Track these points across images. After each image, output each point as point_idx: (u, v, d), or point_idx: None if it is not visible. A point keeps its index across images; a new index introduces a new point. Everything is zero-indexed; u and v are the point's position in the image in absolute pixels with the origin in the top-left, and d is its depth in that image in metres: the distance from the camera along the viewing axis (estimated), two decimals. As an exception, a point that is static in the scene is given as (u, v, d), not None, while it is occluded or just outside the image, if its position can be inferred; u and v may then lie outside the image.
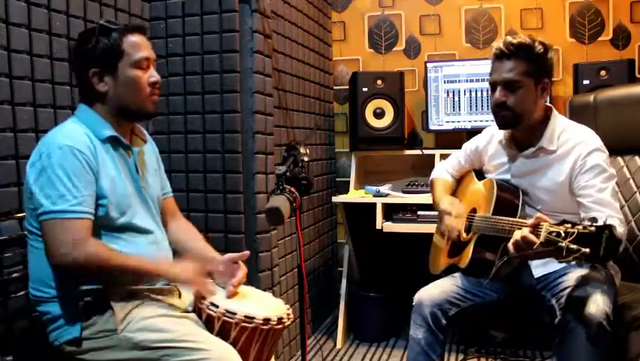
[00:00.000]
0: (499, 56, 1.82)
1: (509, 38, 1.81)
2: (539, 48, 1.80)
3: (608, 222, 1.36)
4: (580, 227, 1.37)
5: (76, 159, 1.43)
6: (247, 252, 1.71)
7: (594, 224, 1.37)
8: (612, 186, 1.78)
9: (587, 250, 1.34)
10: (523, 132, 1.90)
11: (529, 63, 1.79)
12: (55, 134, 1.49)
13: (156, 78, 1.57)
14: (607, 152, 1.83)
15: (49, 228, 1.40)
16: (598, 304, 1.60)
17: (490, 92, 1.89)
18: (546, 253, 1.48)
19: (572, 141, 1.83)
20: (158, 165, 1.77)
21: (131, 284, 1.51)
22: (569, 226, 1.40)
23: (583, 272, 1.74)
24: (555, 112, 1.90)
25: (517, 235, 1.55)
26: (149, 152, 1.73)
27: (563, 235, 1.40)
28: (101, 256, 1.42)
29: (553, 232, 1.43)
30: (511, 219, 1.72)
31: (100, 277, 1.45)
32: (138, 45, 1.54)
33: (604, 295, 1.64)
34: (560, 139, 1.85)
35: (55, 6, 1.88)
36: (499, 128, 1.93)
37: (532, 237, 1.50)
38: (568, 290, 1.73)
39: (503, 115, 1.84)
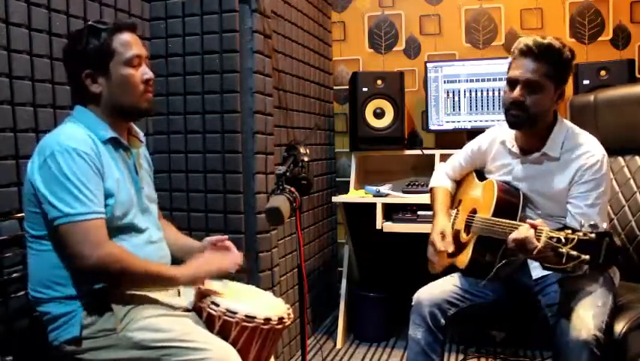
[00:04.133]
0: (525, 53, 1.75)
1: (539, 38, 1.75)
2: (567, 54, 1.76)
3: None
4: (580, 233, 1.38)
5: (83, 161, 1.42)
6: (225, 236, 1.73)
7: (594, 231, 1.37)
8: (603, 204, 1.78)
9: (587, 256, 1.35)
10: (530, 136, 1.87)
11: (554, 67, 1.75)
12: (57, 136, 1.46)
13: (149, 75, 1.56)
14: (608, 164, 1.81)
15: (68, 231, 1.39)
16: (589, 329, 1.59)
17: (506, 88, 1.82)
18: (546, 258, 1.49)
19: (577, 150, 1.80)
20: (150, 168, 1.77)
21: (145, 288, 1.51)
22: (570, 232, 1.40)
23: (578, 280, 1.73)
24: (560, 117, 1.87)
25: (518, 233, 1.56)
26: (142, 154, 1.73)
27: (563, 240, 1.40)
28: (123, 257, 1.42)
29: (553, 237, 1.43)
30: (509, 221, 1.71)
31: (120, 277, 1.44)
32: (129, 43, 1.52)
33: (596, 315, 1.63)
34: (563, 147, 1.82)
35: (55, 6, 1.88)
36: (510, 127, 1.86)
37: (534, 240, 1.50)
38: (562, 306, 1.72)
39: (517, 114, 1.79)
